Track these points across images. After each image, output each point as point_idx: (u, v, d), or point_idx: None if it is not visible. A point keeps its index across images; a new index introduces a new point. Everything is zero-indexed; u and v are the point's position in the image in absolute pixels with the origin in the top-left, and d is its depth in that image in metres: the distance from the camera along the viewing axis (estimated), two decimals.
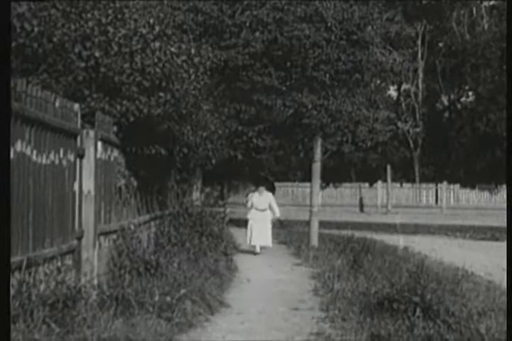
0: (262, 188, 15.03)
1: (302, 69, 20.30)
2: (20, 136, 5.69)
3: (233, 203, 28.50)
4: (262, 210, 14.87)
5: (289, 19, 19.76)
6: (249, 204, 15.18)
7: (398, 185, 39.34)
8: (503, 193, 37.10)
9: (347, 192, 39.48)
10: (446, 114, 44.26)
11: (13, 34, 7.94)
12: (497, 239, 18.37)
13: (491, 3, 41.20)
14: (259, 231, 14.66)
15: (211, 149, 14.09)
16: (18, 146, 5.65)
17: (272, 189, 16.90)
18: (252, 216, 14.89)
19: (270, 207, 15.01)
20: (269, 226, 14.94)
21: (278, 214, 15.18)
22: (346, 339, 6.82)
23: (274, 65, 20.53)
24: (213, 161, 14.92)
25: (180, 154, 11.52)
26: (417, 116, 41.71)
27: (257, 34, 19.70)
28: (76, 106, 7.23)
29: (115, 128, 8.53)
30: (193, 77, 9.51)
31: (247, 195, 16.31)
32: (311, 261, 12.95)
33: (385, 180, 38.26)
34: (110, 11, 8.85)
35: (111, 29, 8.65)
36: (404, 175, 41.53)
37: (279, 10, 19.91)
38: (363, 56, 20.41)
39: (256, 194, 15.04)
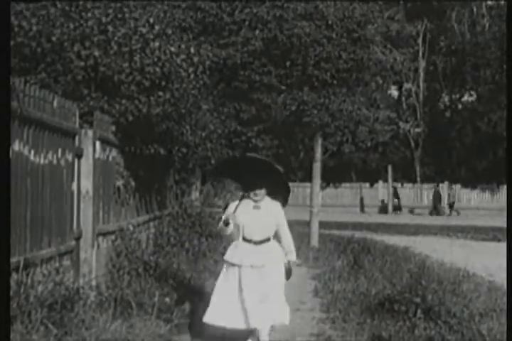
0: (261, 192, 6.22)
1: (303, 68, 20.26)
2: (18, 136, 5.66)
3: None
4: (258, 243, 6.30)
5: (289, 17, 19.73)
6: (228, 229, 6.29)
7: (399, 185, 39.26)
8: (504, 193, 37.00)
9: (347, 193, 39.38)
10: (448, 114, 44.18)
11: (11, 33, 7.90)
12: (499, 240, 18.23)
13: (492, 2, 41.12)
14: (248, 299, 6.14)
15: (210, 149, 13.96)
16: (16, 146, 5.63)
17: (284, 194, 6.41)
18: (235, 258, 6.40)
19: (276, 236, 6.39)
20: (280, 282, 6.28)
21: (294, 257, 6.38)
22: (347, 340, 6.78)
23: (274, 63, 20.51)
24: (212, 161, 14.70)
25: (180, 154, 11.46)
26: (418, 115, 41.65)
27: (257, 32, 19.66)
28: (74, 105, 7.19)
29: (114, 128, 8.49)
30: (192, 76, 9.47)
31: (224, 207, 6.56)
32: (311, 261, 12.89)
33: (385, 180, 38.21)
34: (110, 10, 8.81)
35: (110, 28, 8.60)
36: (405, 175, 41.45)
37: (279, 7, 19.87)
38: (363, 54, 20.39)
39: (246, 203, 6.28)
